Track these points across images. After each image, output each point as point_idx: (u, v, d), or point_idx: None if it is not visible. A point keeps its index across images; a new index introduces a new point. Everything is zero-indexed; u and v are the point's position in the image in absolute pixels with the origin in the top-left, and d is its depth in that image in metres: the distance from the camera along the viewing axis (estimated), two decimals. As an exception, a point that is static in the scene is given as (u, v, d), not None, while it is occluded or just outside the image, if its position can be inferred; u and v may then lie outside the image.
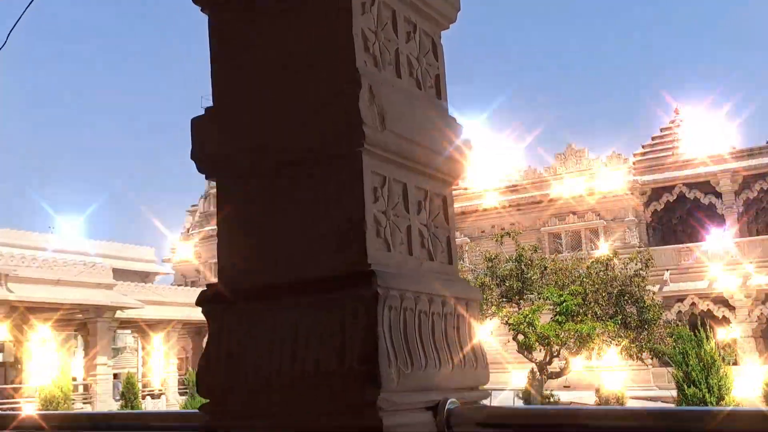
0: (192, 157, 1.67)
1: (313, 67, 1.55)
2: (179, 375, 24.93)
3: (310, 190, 1.56)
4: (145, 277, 30.92)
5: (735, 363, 29.05)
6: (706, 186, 31.57)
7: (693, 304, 30.30)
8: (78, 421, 2.30)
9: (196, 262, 38.56)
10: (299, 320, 1.50)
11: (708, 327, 20.14)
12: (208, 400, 1.60)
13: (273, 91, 1.61)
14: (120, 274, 22.65)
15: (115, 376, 24.24)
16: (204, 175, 1.70)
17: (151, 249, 31.88)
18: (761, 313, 29.16)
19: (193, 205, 41.39)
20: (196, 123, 1.67)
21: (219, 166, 1.65)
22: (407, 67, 1.72)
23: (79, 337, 32.68)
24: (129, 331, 31.72)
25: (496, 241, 22.97)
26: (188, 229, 40.90)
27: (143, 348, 27.99)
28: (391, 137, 1.57)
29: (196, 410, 1.65)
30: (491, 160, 37.65)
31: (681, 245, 31.80)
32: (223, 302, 1.59)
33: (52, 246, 25.94)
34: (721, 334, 29.46)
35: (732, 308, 29.67)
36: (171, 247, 41.60)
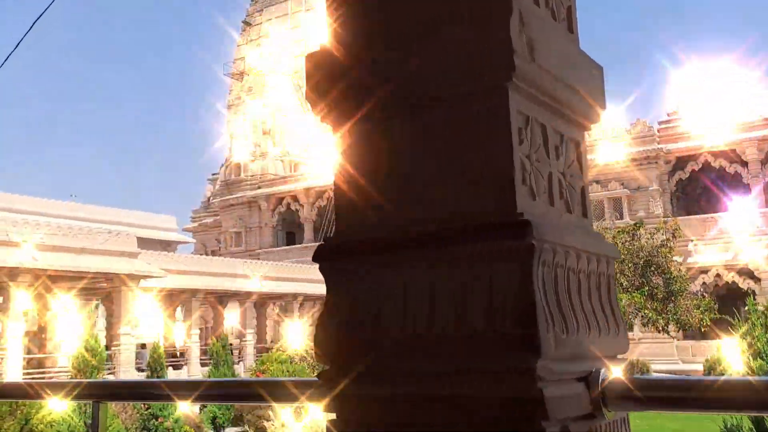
0: (307, 98, 1.49)
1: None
2: (201, 345, 25.14)
3: (446, 128, 1.38)
4: (167, 245, 31.06)
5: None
6: (732, 155, 31.01)
7: (718, 275, 29.96)
8: (227, 387, 2.16)
9: (217, 231, 38.71)
10: (437, 276, 1.33)
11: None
12: (327, 367, 1.44)
13: (407, 15, 1.41)
14: (142, 242, 22.72)
15: (143, 345, 24.48)
16: (319, 118, 1.51)
17: (172, 218, 32.01)
18: (788, 285, 28.78)
19: (214, 174, 41.40)
20: (314, 57, 1.48)
21: (340, 105, 1.47)
22: (542, -5, 1.52)
23: (101, 306, 33.15)
24: (148, 301, 32.04)
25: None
26: (209, 198, 40.99)
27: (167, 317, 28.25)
28: (538, 72, 1.39)
29: (315, 378, 1.49)
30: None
31: (705, 215, 31.36)
32: (346, 257, 1.42)
33: (74, 213, 26.07)
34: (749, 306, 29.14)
35: (758, 280, 29.30)
36: (191, 216, 41.76)
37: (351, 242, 1.41)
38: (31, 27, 4.56)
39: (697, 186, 34.53)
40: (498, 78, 1.32)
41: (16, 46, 4.74)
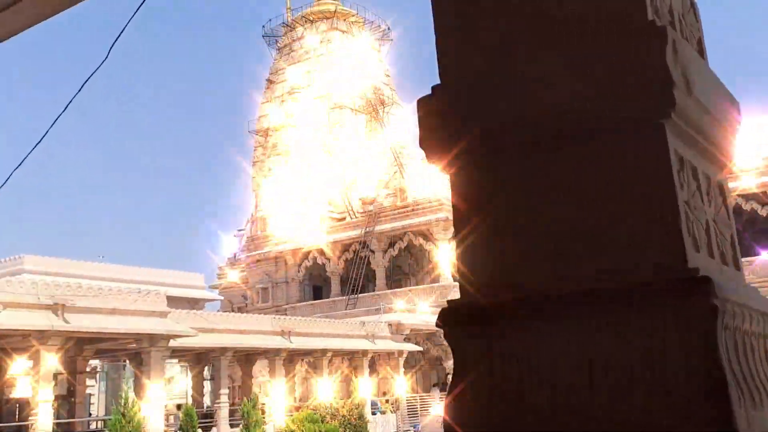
0: (421, 144, 1.33)
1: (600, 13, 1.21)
2: (230, 404, 24.71)
3: (593, 170, 1.21)
4: (194, 303, 31.00)
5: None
6: (764, 197, 30.46)
7: (756, 319, 29.09)
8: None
9: (243, 288, 38.64)
10: (595, 342, 1.15)
11: None
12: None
13: (540, 40, 1.26)
14: (171, 301, 22.65)
15: (179, 406, 24.08)
16: (438, 166, 1.34)
17: (200, 275, 32.07)
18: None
19: (240, 229, 41.63)
20: (425, 102, 1.33)
21: (461, 148, 1.31)
22: (678, 25, 1.38)
23: (127, 367, 32.94)
24: (176, 360, 31.75)
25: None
26: (235, 254, 41.10)
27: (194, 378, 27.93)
28: (694, 107, 1.23)
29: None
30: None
31: (742, 258, 30.64)
32: (479, 321, 1.24)
33: (103, 274, 26.24)
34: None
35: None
36: (217, 273, 41.81)
37: (482, 305, 1.24)
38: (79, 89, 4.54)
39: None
40: (657, 113, 1.17)
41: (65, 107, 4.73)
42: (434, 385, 32.77)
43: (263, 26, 43.18)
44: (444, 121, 1.28)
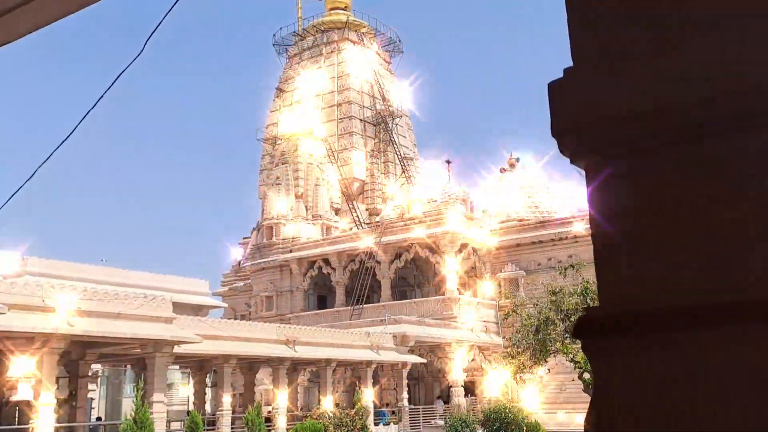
0: (553, 133, 1.19)
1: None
2: (233, 413, 24.51)
3: (753, 164, 1.07)
4: (198, 310, 30.84)
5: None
6: None
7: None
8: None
9: (247, 295, 38.48)
10: (753, 358, 1.02)
11: None
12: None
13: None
14: (175, 307, 22.50)
15: (188, 413, 23.87)
16: (570, 157, 1.21)
17: (205, 282, 31.90)
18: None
19: (245, 237, 41.52)
20: (559, 87, 1.19)
21: (601, 137, 1.16)
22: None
23: (128, 372, 32.73)
24: (177, 367, 31.56)
25: (560, 273, 22.21)
26: (240, 262, 40.97)
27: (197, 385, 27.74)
28: None
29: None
30: (562, 190, 36.99)
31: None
32: (627, 332, 1.11)
33: (107, 278, 26.12)
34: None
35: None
36: (222, 280, 41.66)
37: (627, 315, 1.11)
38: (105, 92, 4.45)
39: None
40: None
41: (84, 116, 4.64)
42: (438, 398, 32.52)
43: (274, 35, 43.36)
44: (580, 108, 1.15)
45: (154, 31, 4.27)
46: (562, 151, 1.19)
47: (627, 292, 1.12)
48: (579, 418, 27.68)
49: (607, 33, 1.16)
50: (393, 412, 28.73)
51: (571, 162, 1.21)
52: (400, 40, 43.55)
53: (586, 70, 1.16)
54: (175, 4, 4.09)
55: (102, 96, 4.14)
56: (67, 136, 4.06)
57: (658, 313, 1.09)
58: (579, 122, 1.16)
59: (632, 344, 1.10)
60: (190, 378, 30.59)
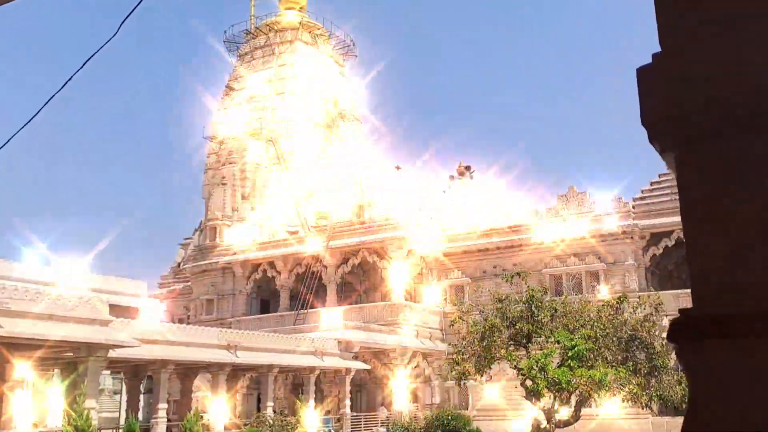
0: (643, 122, 1.04)
1: None
2: (168, 420, 23.71)
3: None
4: (135, 313, 29.74)
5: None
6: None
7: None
8: None
9: (186, 298, 37.43)
10: None
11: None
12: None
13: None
14: (111, 309, 21.63)
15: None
16: (660, 147, 1.05)
17: (143, 283, 30.83)
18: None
19: (187, 238, 40.42)
20: (648, 72, 1.03)
21: (695, 126, 1.01)
22: None
23: (55, 377, 31.19)
24: (108, 372, 30.38)
25: (506, 281, 22.43)
26: (179, 263, 39.86)
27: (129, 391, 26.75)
28: None
29: None
30: (494, 201, 37.47)
31: (680, 291, 31.41)
32: (732, 334, 0.97)
33: (39, 277, 24.86)
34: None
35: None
36: (159, 282, 40.44)
37: (739, 316, 0.96)
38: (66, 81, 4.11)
39: (669, 262, 34.82)
40: None
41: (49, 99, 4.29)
42: (381, 405, 32.36)
43: (224, 32, 42.52)
44: (672, 94, 0.99)
45: (128, 16, 3.97)
46: (651, 140, 1.04)
47: (730, 294, 0.98)
48: (519, 425, 27.99)
49: (697, 16, 1.01)
50: (338, 420, 28.41)
51: (661, 154, 1.06)
52: (353, 44, 43.42)
53: (678, 57, 1.00)
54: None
55: (69, 80, 3.82)
56: (30, 119, 3.72)
57: (763, 315, 0.95)
58: (678, 106, 1.00)
59: (735, 345, 0.96)
60: (123, 384, 29.48)
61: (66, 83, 5.34)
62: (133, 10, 4.51)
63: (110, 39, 4.76)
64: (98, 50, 4.96)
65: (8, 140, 5.68)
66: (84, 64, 5.18)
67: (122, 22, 4.60)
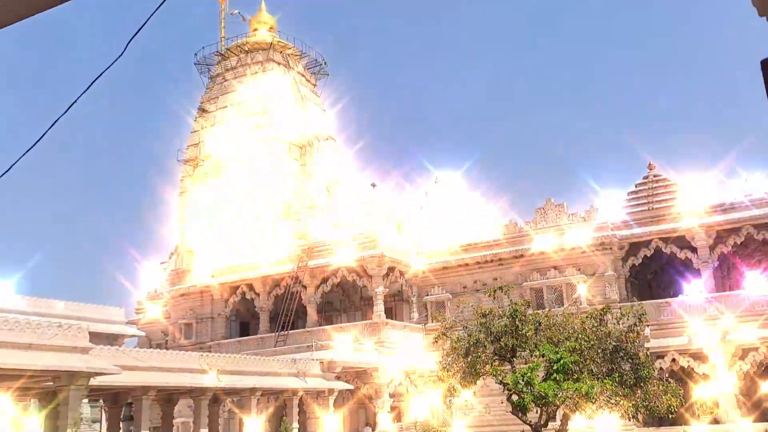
0: None
1: None
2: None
3: None
4: (114, 339, 29.16)
5: (716, 421, 28.70)
6: (682, 241, 31.87)
7: (673, 360, 30.11)
8: None
9: (165, 323, 36.75)
10: None
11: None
12: None
13: None
14: (91, 336, 21.15)
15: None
16: None
17: (120, 309, 30.24)
18: (740, 369, 29.01)
19: (163, 262, 39.79)
20: None
21: None
22: None
23: (32, 407, 30.39)
24: (86, 400, 29.65)
25: (488, 295, 22.47)
26: (156, 289, 39.19)
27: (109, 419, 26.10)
28: None
29: None
30: (472, 216, 37.63)
31: (660, 300, 31.77)
32: None
33: (16, 306, 24.23)
34: (703, 391, 29.14)
35: (712, 364, 29.55)
36: (136, 308, 39.68)
37: None
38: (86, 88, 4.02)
39: (648, 271, 35.27)
40: None
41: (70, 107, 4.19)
42: (366, 425, 32.05)
43: (195, 54, 42.30)
44: None
45: (137, 33, 3.91)
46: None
47: None
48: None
49: None
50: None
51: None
52: (325, 63, 43.50)
53: None
54: (161, 5, 3.79)
55: (74, 102, 3.73)
56: (35, 143, 3.63)
57: None
58: None
59: None
60: (102, 412, 28.77)
61: (71, 106, 5.23)
62: (138, 30, 4.45)
63: (117, 59, 4.69)
64: (105, 70, 4.87)
65: (10, 166, 5.54)
66: (90, 86, 5.09)
67: (128, 43, 4.54)
